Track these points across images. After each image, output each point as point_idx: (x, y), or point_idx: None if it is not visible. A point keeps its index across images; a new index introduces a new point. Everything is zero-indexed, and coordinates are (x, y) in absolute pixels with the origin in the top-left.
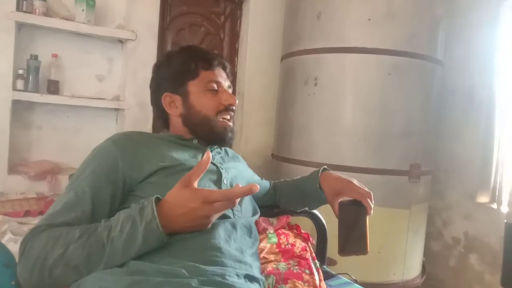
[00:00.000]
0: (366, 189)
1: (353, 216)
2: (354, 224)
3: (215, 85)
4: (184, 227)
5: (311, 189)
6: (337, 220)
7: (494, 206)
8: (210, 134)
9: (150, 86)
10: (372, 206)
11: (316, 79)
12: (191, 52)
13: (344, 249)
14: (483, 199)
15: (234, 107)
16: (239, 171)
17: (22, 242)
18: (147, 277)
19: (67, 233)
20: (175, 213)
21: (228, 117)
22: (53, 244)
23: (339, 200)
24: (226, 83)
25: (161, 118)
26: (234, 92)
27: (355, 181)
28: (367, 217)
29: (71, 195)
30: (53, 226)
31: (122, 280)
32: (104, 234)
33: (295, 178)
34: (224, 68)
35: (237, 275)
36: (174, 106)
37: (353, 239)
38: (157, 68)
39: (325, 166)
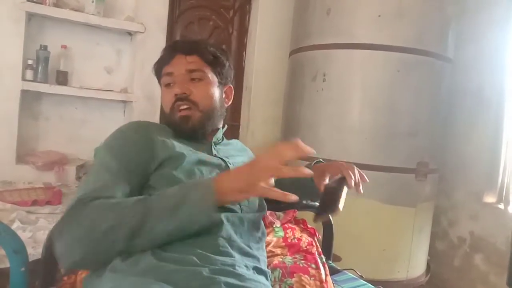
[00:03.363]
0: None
1: (333, 188)
2: (332, 193)
3: (169, 78)
4: (236, 187)
5: (304, 180)
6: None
7: (501, 206)
8: (176, 131)
9: None
10: (356, 177)
11: (324, 75)
12: (162, 50)
13: (317, 215)
14: (490, 199)
15: (185, 94)
16: None
17: (66, 214)
18: (158, 262)
19: (120, 201)
20: (233, 173)
21: (184, 106)
22: (109, 211)
23: (324, 182)
24: (183, 69)
25: None
26: (240, 86)
27: (344, 164)
28: (345, 188)
29: (106, 175)
30: (98, 198)
31: (135, 267)
32: (155, 197)
33: None
34: (186, 53)
35: (246, 266)
36: None
37: (327, 204)
38: None
39: (320, 159)
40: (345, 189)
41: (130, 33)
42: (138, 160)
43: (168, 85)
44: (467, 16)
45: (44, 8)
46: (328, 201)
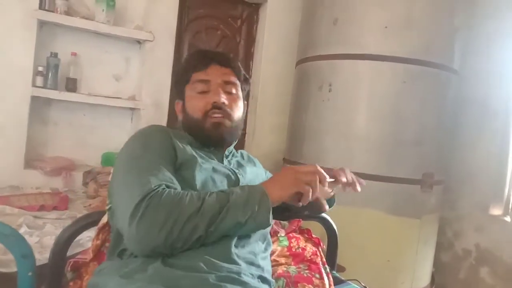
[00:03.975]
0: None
1: None
2: None
3: (203, 85)
4: (284, 187)
5: None
6: (348, 226)
7: (508, 219)
8: (204, 137)
9: None
10: (349, 176)
11: (330, 85)
12: (189, 56)
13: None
14: (496, 211)
15: (223, 104)
16: (255, 175)
17: (142, 200)
18: (166, 268)
19: (198, 192)
20: (279, 177)
21: (219, 114)
22: (189, 199)
23: None
24: (220, 79)
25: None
26: (247, 95)
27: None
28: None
29: (158, 166)
30: (170, 188)
31: (142, 273)
32: (227, 192)
33: None
34: (222, 64)
35: (252, 275)
36: (180, 112)
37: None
38: (173, 75)
39: None
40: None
41: (139, 42)
42: (169, 157)
43: (202, 92)
44: (473, 28)
45: (56, 16)
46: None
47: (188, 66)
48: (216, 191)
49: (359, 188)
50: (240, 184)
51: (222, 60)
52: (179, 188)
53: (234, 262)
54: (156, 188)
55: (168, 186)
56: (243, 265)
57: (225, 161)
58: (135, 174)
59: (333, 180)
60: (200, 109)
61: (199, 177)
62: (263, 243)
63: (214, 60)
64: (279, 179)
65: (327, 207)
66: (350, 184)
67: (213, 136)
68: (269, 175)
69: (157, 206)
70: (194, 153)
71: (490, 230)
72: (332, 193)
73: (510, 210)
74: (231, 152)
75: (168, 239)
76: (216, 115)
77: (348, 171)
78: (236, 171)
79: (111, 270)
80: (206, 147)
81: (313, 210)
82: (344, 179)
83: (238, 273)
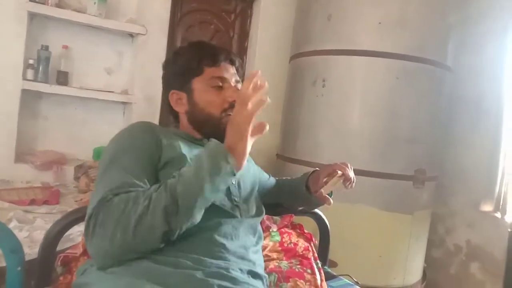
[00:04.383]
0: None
1: None
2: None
3: (219, 82)
4: (236, 141)
5: (300, 190)
6: (340, 222)
7: (498, 215)
8: (215, 133)
9: (162, 83)
10: (351, 173)
11: (324, 81)
12: (197, 48)
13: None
14: (487, 207)
15: None
16: (246, 169)
17: (90, 217)
18: (153, 265)
19: (144, 190)
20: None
21: None
22: (133, 202)
23: (320, 183)
24: (233, 78)
25: (171, 114)
26: None
27: (337, 163)
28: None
29: (122, 174)
30: (120, 194)
31: (129, 269)
32: (176, 174)
33: (293, 177)
34: (232, 63)
35: (241, 270)
36: (180, 103)
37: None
38: (166, 65)
39: (317, 168)
40: (336, 180)
41: (131, 35)
42: (148, 158)
43: (216, 88)
44: (467, 26)
45: (47, 8)
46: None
47: (198, 58)
48: (167, 180)
49: (353, 186)
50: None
51: (231, 58)
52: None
53: (223, 258)
54: (102, 203)
55: (117, 194)
56: (232, 260)
57: None
58: (97, 187)
59: (341, 174)
60: (217, 106)
61: None
62: (254, 236)
63: (226, 58)
64: (228, 139)
65: (331, 200)
66: (351, 181)
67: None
68: (263, 172)
69: (103, 221)
70: (183, 150)
71: (481, 226)
72: (343, 189)
73: (501, 207)
74: None
75: (125, 247)
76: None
77: (350, 166)
78: None
79: (95, 269)
80: (201, 140)
81: (316, 204)
82: (351, 175)
83: (227, 269)
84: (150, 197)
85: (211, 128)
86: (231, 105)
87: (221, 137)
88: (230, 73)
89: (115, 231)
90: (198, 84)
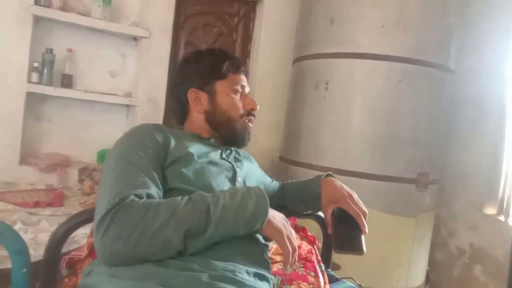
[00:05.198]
0: (363, 207)
1: (349, 221)
2: (350, 227)
3: (240, 89)
4: (275, 223)
5: (312, 192)
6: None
7: (502, 218)
8: (231, 134)
9: (173, 79)
10: (366, 225)
11: (327, 84)
12: (222, 54)
13: (341, 246)
14: (490, 210)
15: (254, 112)
16: (251, 170)
17: (108, 212)
18: (159, 267)
19: (168, 201)
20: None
21: (250, 120)
22: (155, 211)
23: (332, 207)
24: (248, 88)
25: (180, 112)
26: None
27: (355, 196)
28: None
29: (135, 171)
30: (140, 196)
31: (134, 271)
32: (211, 201)
33: (301, 180)
34: (246, 75)
35: (247, 272)
36: (199, 102)
37: (349, 238)
38: (185, 62)
39: (330, 172)
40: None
41: (135, 38)
42: (156, 156)
43: (238, 93)
44: (468, 28)
45: (51, 11)
46: (351, 238)
47: (225, 63)
48: (192, 197)
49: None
50: (237, 176)
51: (247, 71)
52: (155, 193)
53: (229, 260)
54: (122, 201)
55: (138, 195)
56: (239, 262)
57: (224, 155)
58: (110, 181)
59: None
60: (238, 110)
61: (193, 170)
62: (260, 238)
63: (245, 69)
64: (274, 219)
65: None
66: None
67: (241, 137)
68: (266, 176)
69: (121, 221)
70: (192, 148)
71: (484, 229)
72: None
73: (504, 209)
74: (229, 148)
75: (136, 253)
76: (249, 121)
77: (366, 214)
78: (234, 163)
79: (101, 270)
80: (224, 144)
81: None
82: (366, 230)
83: (233, 272)
84: (173, 211)
85: (228, 130)
86: (249, 113)
87: (233, 139)
88: (246, 83)
89: (131, 236)
90: (221, 87)
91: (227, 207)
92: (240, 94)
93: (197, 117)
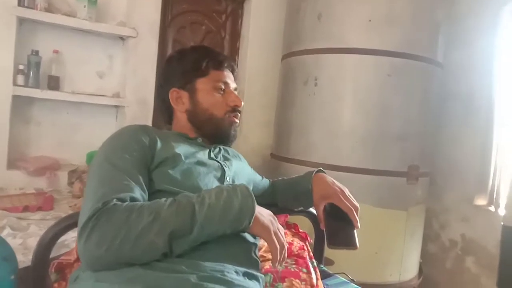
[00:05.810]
0: (355, 202)
1: (341, 216)
2: (343, 222)
3: (222, 85)
4: (262, 220)
5: (303, 189)
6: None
7: (492, 209)
8: (215, 132)
9: (158, 80)
10: (358, 220)
11: (316, 80)
12: (204, 51)
13: (334, 242)
14: (481, 201)
15: (240, 109)
16: (240, 169)
17: (90, 218)
18: (146, 270)
19: (151, 203)
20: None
21: (236, 118)
22: (138, 214)
23: (324, 203)
24: (233, 85)
25: (166, 112)
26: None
27: (346, 191)
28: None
29: (119, 174)
30: (123, 200)
31: (122, 274)
32: (197, 201)
33: (292, 176)
34: (232, 71)
35: (236, 272)
36: (180, 102)
37: (342, 233)
38: (168, 63)
39: (321, 168)
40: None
41: (122, 38)
42: (142, 158)
43: (220, 90)
44: (456, 22)
45: (36, 13)
46: (344, 234)
47: (206, 60)
48: (177, 198)
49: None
50: (226, 176)
51: (233, 67)
52: (139, 196)
53: (217, 260)
54: (105, 205)
55: (121, 199)
56: (228, 262)
57: (212, 154)
58: (94, 185)
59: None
60: (221, 108)
61: (181, 171)
62: (249, 236)
63: (229, 65)
64: (261, 215)
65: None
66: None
67: (226, 134)
68: (256, 174)
69: (103, 226)
70: (179, 148)
71: (475, 221)
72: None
73: (494, 200)
74: (217, 147)
75: (119, 257)
76: (235, 118)
77: (358, 209)
78: (222, 163)
79: (87, 276)
80: (211, 143)
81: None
82: (358, 225)
83: (222, 272)
84: (156, 213)
85: (211, 128)
86: (233, 109)
87: (218, 137)
88: (231, 79)
89: (114, 240)
90: (202, 85)
91: (213, 206)
92: (223, 91)
93: (180, 117)
